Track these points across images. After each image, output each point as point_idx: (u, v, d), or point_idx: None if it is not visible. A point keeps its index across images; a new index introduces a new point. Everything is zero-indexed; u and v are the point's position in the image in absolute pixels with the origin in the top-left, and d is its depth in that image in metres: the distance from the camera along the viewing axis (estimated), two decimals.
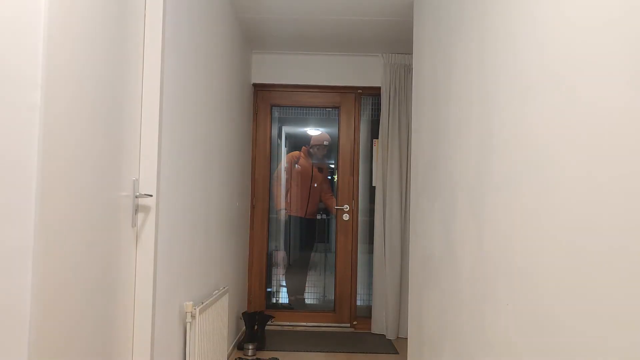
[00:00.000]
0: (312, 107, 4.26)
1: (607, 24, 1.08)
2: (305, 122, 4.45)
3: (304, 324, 4.12)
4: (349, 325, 4.08)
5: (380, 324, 3.92)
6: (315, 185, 4.30)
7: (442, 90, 2.33)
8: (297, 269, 4.41)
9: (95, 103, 1.39)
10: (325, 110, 4.31)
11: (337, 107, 4.21)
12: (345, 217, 4.10)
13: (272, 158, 4.21)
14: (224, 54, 2.96)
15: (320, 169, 4.36)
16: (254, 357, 3.24)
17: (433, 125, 2.47)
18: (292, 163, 4.34)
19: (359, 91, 4.15)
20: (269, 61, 4.13)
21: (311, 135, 4.37)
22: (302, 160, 4.32)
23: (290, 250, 4.49)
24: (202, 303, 2.27)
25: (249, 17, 3.37)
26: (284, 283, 4.41)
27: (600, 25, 1.11)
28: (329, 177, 4.35)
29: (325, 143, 4.26)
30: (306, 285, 4.36)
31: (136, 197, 1.72)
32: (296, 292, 4.35)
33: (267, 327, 3.97)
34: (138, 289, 1.76)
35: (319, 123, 4.41)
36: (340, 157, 4.17)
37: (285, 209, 4.33)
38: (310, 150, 4.32)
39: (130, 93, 1.67)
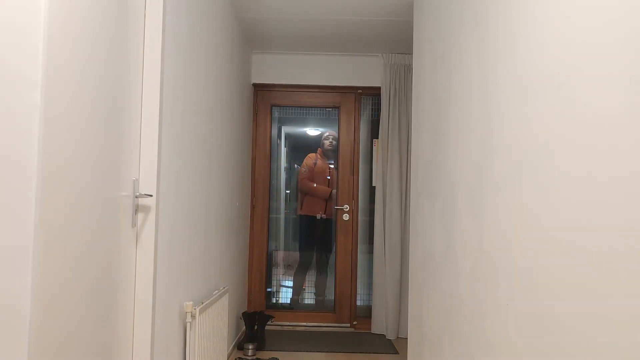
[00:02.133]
0: (312, 107, 4.26)
1: (607, 24, 1.08)
2: (305, 122, 4.45)
3: (304, 324, 4.12)
4: (349, 325, 4.08)
5: (380, 324, 3.92)
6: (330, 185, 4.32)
7: (442, 90, 2.33)
8: (303, 269, 4.37)
9: (95, 103, 1.39)
10: (325, 110, 4.31)
11: (337, 107, 4.20)
12: (345, 217, 4.09)
13: (272, 158, 4.21)
14: (224, 54, 2.96)
15: (336, 169, 4.35)
16: (254, 357, 3.24)
17: (433, 125, 2.47)
18: (310, 164, 4.33)
19: (359, 91, 4.15)
20: (269, 61, 4.13)
21: (323, 134, 4.40)
22: (319, 161, 4.32)
23: (288, 250, 4.48)
24: (202, 303, 2.27)
25: (249, 17, 3.37)
26: (286, 284, 4.39)
27: (600, 25, 1.11)
28: None
29: (333, 141, 4.29)
30: (326, 285, 4.35)
31: (136, 197, 1.72)
32: (319, 294, 4.36)
33: (267, 327, 3.97)
34: (138, 289, 1.76)
35: (319, 123, 4.41)
36: (340, 157, 4.17)
37: (301, 209, 4.34)
38: (324, 150, 4.33)
39: (130, 93, 1.67)
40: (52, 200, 1.16)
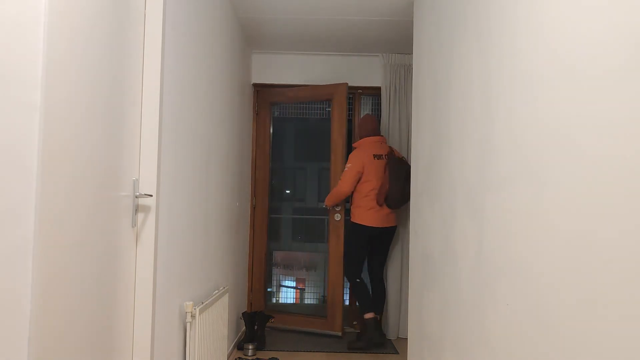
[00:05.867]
0: (311, 105, 4.25)
1: (610, 24, 1.08)
2: (305, 121, 4.45)
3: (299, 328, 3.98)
4: (340, 333, 3.79)
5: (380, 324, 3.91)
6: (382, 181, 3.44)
7: (442, 91, 2.33)
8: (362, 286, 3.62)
9: (95, 103, 1.39)
10: (326, 110, 4.31)
11: (329, 100, 4.13)
12: (337, 217, 3.80)
13: (272, 158, 4.21)
14: (224, 53, 2.96)
15: (403, 161, 3.47)
16: (254, 357, 3.24)
17: (433, 126, 2.47)
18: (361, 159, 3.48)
19: (359, 91, 4.15)
20: (269, 61, 4.13)
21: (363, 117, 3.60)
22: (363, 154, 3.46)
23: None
24: (202, 303, 2.27)
25: (249, 17, 3.37)
26: (286, 283, 4.35)
27: (603, 26, 1.11)
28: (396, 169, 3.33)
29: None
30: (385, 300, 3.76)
31: (136, 197, 1.72)
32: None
33: (267, 327, 3.97)
34: (138, 289, 1.76)
35: (320, 122, 4.41)
36: (333, 156, 4.03)
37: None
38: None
39: (131, 93, 1.67)
40: (52, 200, 1.16)
